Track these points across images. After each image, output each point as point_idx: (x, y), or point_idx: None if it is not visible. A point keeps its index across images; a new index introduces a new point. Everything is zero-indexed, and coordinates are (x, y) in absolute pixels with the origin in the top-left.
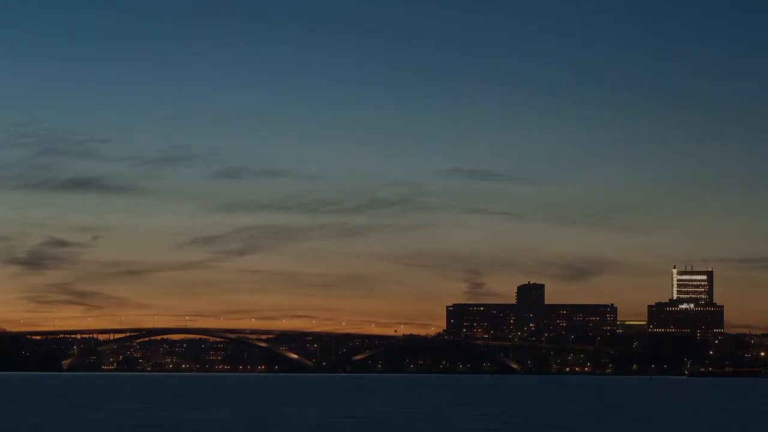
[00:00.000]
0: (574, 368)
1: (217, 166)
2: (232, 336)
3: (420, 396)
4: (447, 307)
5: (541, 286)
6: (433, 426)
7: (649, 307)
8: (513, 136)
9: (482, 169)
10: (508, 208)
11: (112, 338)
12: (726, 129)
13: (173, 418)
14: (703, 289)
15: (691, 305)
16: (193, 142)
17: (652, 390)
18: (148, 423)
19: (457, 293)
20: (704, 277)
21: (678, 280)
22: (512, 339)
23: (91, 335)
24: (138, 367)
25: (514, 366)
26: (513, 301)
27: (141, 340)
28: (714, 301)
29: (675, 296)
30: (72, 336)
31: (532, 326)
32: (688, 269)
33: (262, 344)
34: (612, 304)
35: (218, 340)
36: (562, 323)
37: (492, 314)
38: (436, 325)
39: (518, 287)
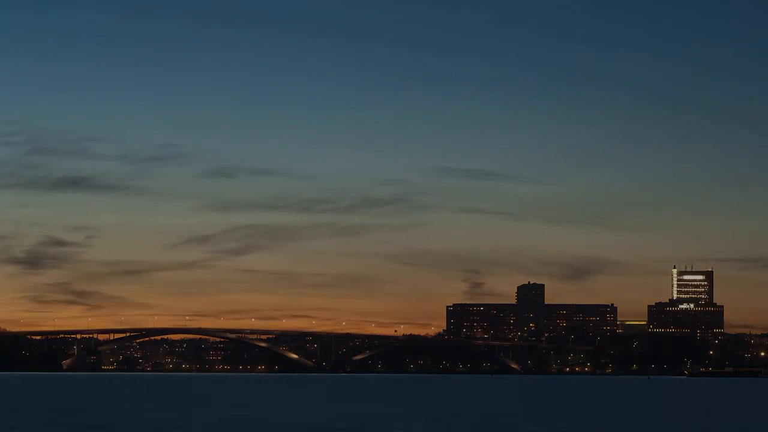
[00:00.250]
0: (574, 368)
1: (209, 165)
2: (232, 336)
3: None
4: (447, 307)
5: (541, 286)
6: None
7: (649, 307)
8: (513, 136)
9: (482, 168)
10: (507, 208)
11: (112, 338)
12: (726, 129)
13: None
14: (703, 289)
15: (691, 305)
16: (185, 141)
17: (646, 390)
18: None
19: (457, 293)
20: (704, 277)
21: (678, 280)
22: (512, 339)
23: (91, 335)
24: (138, 367)
25: (514, 366)
26: (513, 301)
27: (141, 340)
28: (714, 301)
29: (675, 296)
30: (72, 336)
31: (532, 326)
32: (688, 269)
33: (262, 344)
34: (612, 304)
35: (218, 340)
36: (562, 323)
37: (492, 314)
38: (436, 325)
39: (518, 287)
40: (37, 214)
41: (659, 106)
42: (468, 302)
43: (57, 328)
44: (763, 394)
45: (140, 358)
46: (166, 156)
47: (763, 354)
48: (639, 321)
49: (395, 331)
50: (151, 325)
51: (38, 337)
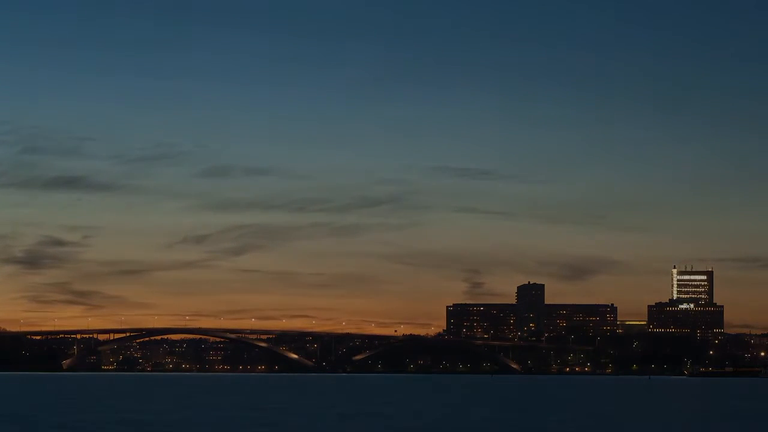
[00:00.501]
0: (574, 368)
1: (203, 165)
2: (232, 336)
3: None
4: (447, 307)
5: (541, 286)
6: None
7: (649, 307)
8: (513, 135)
9: (483, 168)
10: (508, 208)
11: (112, 338)
12: (726, 129)
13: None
14: (703, 289)
15: (691, 305)
16: (179, 141)
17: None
18: None
19: (457, 293)
20: (704, 277)
21: (678, 280)
22: (512, 339)
23: (91, 335)
24: (138, 367)
25: (514, 366)
26: (513, 301)
27: (141, 340)
28: (714, 301)
29: (675, 296)
30: (72, 336)
31: (532, 326)
32: (688, 269)
33: (262, 344)
34: (612, 304)
35: (218, 340)
36: (562, 323)
37: (492, 314)
38: (436, 325)
39: (518, 287)
40: (33, 214)
41: (659, 106)
42: (468, 302)
43: (57, 328)
44: (763, 393)
45: (140, 358)
46: (160, 156)
47: (763, 354)
48: (639, 321)
49: (395, 331)
50: (151, 325)
51: (38, 337)
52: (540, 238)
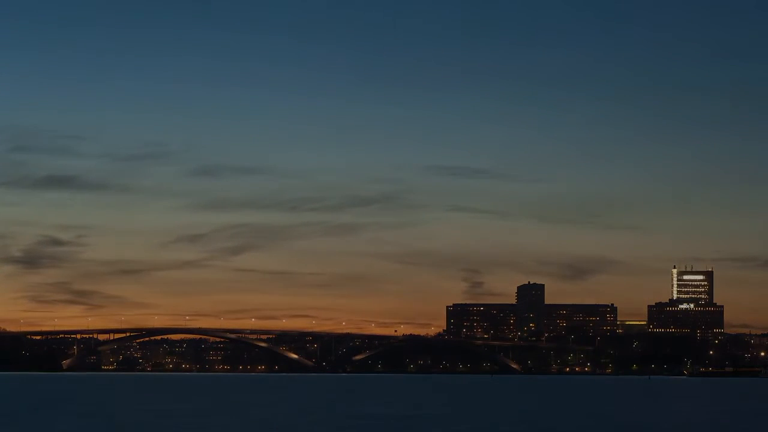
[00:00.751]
0: (574, 368)
1: (195, 164)
2: (232, 336)
3: None
4: (447, 307)
5: (541, 286)
6: None
7: (649, 307)
8: (513, 134)
9: (483, 168)
10: (508, 208)
11: (112, 338)
12: (726, 129)
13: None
14: (703, 289)
15: (691, 305)
16: (170, 140)
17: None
18: None
19: (457, 293)
20: (704, 277)
21: (678, 280)
22: (512, 339)
23: (91, 335)
24: (138, 367)
25: (514, 366)
26: (513, 301)
27: (141, 340)
28: (714, 301)
29: (675, 296)
30: (72, 336)
31: (532, 326)
32: (688, 269)
33: (262, 344)
34: (612, 304)
35: (218, 340)
36: (562, 323)
37: (492, 314)
38: (436, 325)
39: (518, 287)
40: (25, 213)
41: (660, 105)
42: (468, 302)
43: (57, 328)
44: (763, 393)
45: (140, 358)
46: (150, 155)
47: (763, 354)
48: (639, 321)
49: (395, 331)
50: (151, 325)
51: (38, 337)
52: (540, 238)
